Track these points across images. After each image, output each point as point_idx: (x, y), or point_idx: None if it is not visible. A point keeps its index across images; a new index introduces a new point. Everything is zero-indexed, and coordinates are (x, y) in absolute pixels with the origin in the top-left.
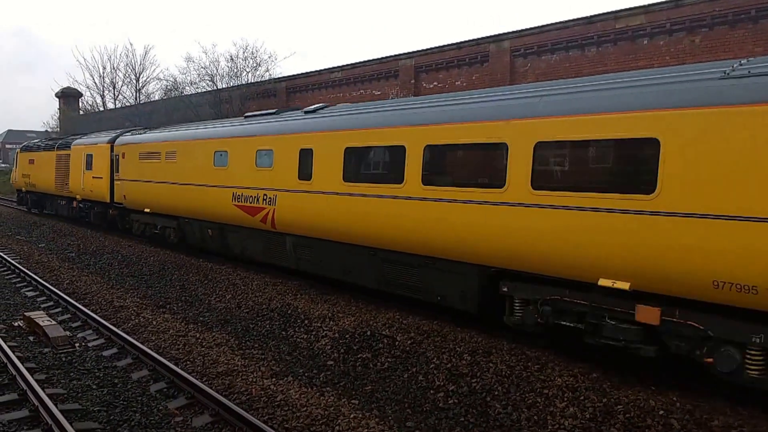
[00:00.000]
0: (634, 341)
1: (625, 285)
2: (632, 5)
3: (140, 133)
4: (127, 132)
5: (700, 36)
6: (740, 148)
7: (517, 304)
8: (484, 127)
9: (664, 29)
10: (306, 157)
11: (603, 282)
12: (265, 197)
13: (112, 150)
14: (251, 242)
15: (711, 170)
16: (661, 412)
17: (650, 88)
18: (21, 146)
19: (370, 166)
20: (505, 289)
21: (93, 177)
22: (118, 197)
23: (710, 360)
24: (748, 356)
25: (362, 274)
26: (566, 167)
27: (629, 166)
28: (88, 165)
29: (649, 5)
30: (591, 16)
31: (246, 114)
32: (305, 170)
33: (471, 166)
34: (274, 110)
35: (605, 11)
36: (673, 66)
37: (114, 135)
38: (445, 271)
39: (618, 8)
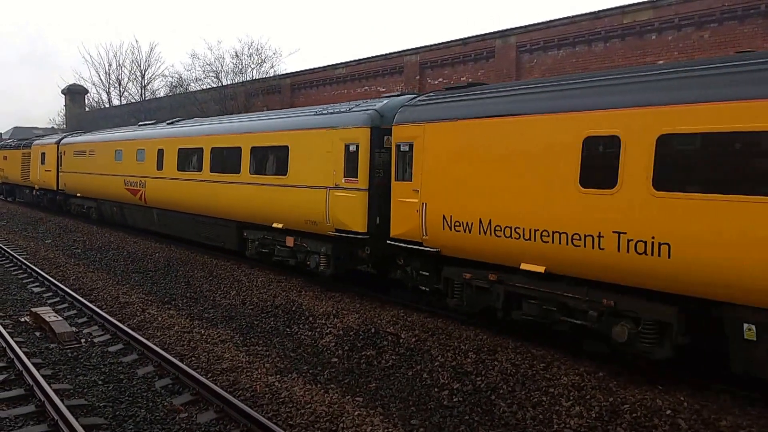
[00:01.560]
0: (288, 256)
1: (279, 225)
2: (640, 0)
3: (76, 136)
4: (69, 135)
5: (709, 31)
6: None
7: (250, 242)
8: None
9: (673, 24)
10: (161, 154)
11: (276, 225)
12: (140, 182)
13: (58, 149)
14: (137, 215)
15: None
16: (669, 412)
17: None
18: None
19: (191, 161)
20: (245, 234)
21: (45, 170)
22: (62, 186)
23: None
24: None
25: (190, 231)
26: None
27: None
28: (42, 161)
29: (657, 0)
30: (598, 11)
31: (139, 123)
32: (160, 163)
33: (224, 160)
34: (153, 121)
35: (612, 6)
36: None
37: (60, 137)
38: (218, 225)
39: (625, 3)
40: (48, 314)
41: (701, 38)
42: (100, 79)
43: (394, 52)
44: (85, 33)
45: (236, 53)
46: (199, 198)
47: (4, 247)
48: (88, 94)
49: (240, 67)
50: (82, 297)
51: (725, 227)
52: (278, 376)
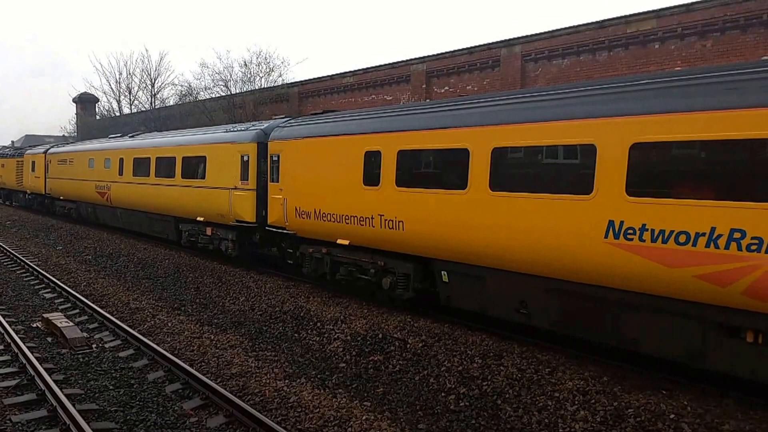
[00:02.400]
0: (207, 243)
1: (201, 218)
2: (643, 10)
3: (60, 146)
4: (55, 145)
5: (712, 40)
6: None
7: (183, 233)
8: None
9: (676, 33)
10: (122, 162)
11: (199, 218)
12: (107, 186)
13: (45, 158)
14: (106, 214)
15: None
16: (672, 416)
17: None
18: None
19: (143, 168)
20: (180, 227)
21: (35, 177)
22: (48, 190)
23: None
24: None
25: (144, 226)
26: None
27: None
28: (33, 168)
29: (661, 10)
30: (602, 21)
31: (109, 136)
32: (121, 170)
33: (164, 167)
34: (120, 134)
35: (616, 16)
36: None
37: (47, 147)
38: (162, 220)
39: (629, 13)
40: (59, 320)
41: (704, 47)
42: (111, 88)
43: (401, 61)
44: (95, 43)
45: (245, 62)
46: (149, 198)
47: (16, 253)
48: (99, 103)
49: (248, 75)
50: (93, 303)
51: (427, 209)
52: (287, 380)
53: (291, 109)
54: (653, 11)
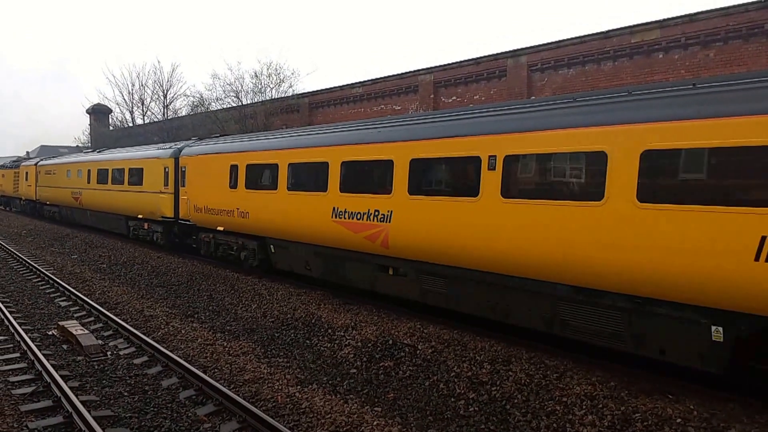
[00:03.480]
0: (145, 235)
1: (141, 215)
2: (647, 20)
3: (47, 159)
4: (43, 159)
5: (714, 50)
6: None
7: (130, 229)
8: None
9: (679, 43)
10: (90, 173)
11: (140, 216)
12: (79, 192)
13: (36, 169)
14: (80, 215)
15: None
16: (679, 420)
17: None
18: None
19: (103, 176)
20: (129, 224)
21: (27, 185)
22: (38, 197)
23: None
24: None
25: (106, 224)
26: None
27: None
28: (26, 178)
29: (664, 20)
30: (607, 31)
31: (84, 151)
32: (89, 179)
33: (118, 176)
34: (91, 150)
35: (621, 26)
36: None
37: (38, 160)
38: (119, 219)
39: (634, 23)
40: (75, 327)
41: (707, 57)
42: (124, 99)
43: (409, 72)
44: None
45: (255, 73)
46: (107, 201)
47: (31, 262)
48: (112, 114)
49: (259, 86)
50: (107, 311)
51: (263, 203)
52: (299, 387)
53: (302, 119)
54: (657, 21)
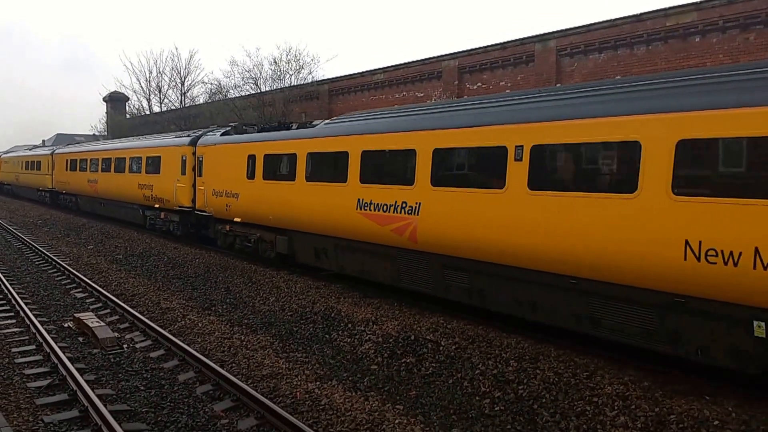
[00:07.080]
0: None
1: (157, 205)
2: (683, 2)
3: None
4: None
5: (755, 33)
6: None
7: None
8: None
9: (717, 26)
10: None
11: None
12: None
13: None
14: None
15: None
16: (716, 423)
17: None
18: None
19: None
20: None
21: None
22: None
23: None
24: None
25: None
26: None
27: None
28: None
29: (701, 2)
30: (640, 14)
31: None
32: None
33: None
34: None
35: (655, 9)
36: None
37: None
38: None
39: (668, 5)
40: (90, 320)
41: (746, 40)
42: (141, 87)
43: (432, 57)
44: (126, 42)
45: (274, 60)
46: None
47: (47, 253)
48: (129, 101)
49: (278, 73)
50: (123, 302)
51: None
52: (318, 382)
53: (321, 106)
54: (693, 3)
